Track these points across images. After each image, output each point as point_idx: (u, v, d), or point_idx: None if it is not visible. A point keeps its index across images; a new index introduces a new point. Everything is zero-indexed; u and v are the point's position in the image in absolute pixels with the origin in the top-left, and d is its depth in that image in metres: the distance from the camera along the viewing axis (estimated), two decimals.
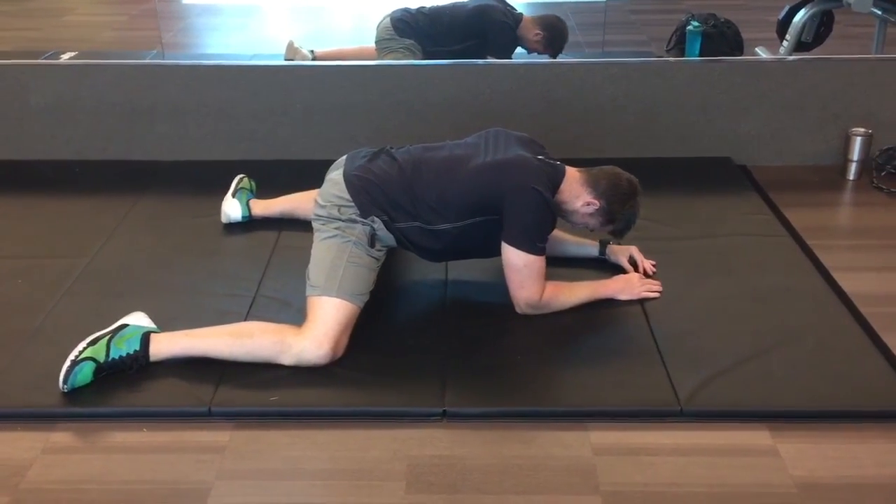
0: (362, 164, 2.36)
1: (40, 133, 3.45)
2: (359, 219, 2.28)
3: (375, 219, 2.27)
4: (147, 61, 3.61)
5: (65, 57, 3.78)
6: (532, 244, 2.23)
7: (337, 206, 2.30)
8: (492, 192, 2.23)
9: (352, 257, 2.25)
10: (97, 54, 4.07)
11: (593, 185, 2.32)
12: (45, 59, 3.72)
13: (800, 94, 3.37)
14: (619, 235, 2.45)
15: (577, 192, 2.32)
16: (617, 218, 2.36)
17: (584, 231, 2.47)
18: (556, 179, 2.30)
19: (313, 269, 2.26)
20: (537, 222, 2.25)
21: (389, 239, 2.31)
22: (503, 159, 2.27)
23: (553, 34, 3.82)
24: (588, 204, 2.32)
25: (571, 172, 2.35)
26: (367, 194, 2.29)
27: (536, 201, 2.22)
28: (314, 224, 2.36)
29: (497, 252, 2.30)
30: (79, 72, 3.41)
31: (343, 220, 2.29)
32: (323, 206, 2.33)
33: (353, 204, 2.29)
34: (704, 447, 1.94)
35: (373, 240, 2.28)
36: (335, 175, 2.37)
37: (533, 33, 3.81)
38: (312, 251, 2.31)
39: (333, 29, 4.84)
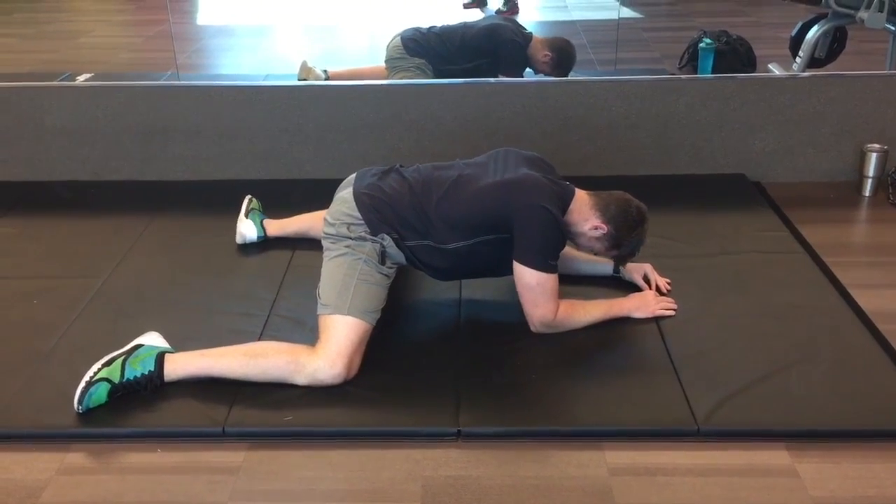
0: (372, 182, 2.37)
1: (56, 154, 3.47)
2: (368, 236, 2.28)
3: (385, 236, 2.28)
4: (162, 82, 3.63)
5: (80, 79, 3.81)
6: (544, 262, 2.23)
7: (346, 224, 2.31)
8: (501, 211, 2.23)
9: (362, 275, 2.25)
10: (113, 76, 4.10)
11: (603, 209, 2.32)
12: (60, 80, 3.75)
13: (814, 110, 3.36)
14: (623, 262, 2.48)
15: (585, 215, 2.31)
16: (623, 244, 2.36)
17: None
18: (566, 200, 2.30)
19: (324, 287, 2.26)
20: (548, 240, 2.24)
21: (399, 256, 2.31)
22: (512, 178, 2.27)
23: (561, 57, 3.84)
24: (596, 228, 2.31)
25: (581, 195, 2.34)
26: (377, 212, 2.29)
27: (546, 219, 2.21)
28: (324, 242, 2.37)
29: (507, 271, 2.30)
30: (94, 93, 3.44)
31: (353, 238, 2.29)
32: (332, 225, 2.34)
33: (362, 222, 2.29)
34: (722, 467, 1.92)
35: (383, 257, 2.28)
36: (345, 193, 2.38)
37: (542, 54, 3.83)
38: (322, 269, 2.31)
39: (347, 49, 4.86)
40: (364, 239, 2.28)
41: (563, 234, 2.29)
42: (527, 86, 3.45)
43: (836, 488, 1.85)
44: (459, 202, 2.28)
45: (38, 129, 3.44)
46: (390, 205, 2.30)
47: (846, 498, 1.82)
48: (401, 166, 2.44)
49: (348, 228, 2.30)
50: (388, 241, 2.28)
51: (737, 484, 1.86)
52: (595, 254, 2.41)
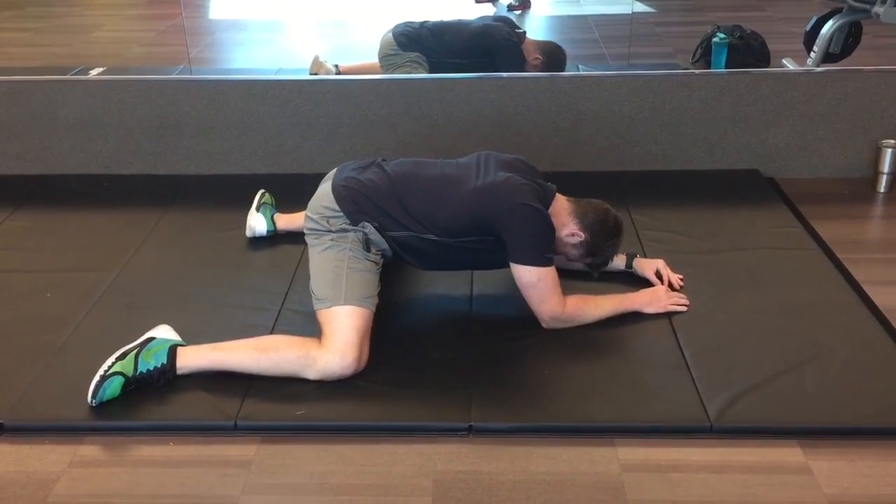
0: (351, 175, 2.37)
1: (69, 148, 3.48)
2: (349, 227, 2.29)
3: (366, 224, 2.28)
4: (174, 76, 3.64)
5: (93, 73, 3.82)
6: (539, 257, 2.23)
7: (326, 217, 2.31)
8: (484, 216, 2.23)
9: (351, 263, 2.25)
10: (125, 70, 4.10)
11: (581, 217, 2.32)
12: (73, 74, 3.75)
13: (828, 105, 3.34)
14: (595, 269, 2.47)
15: (564, 220, 2.32)
16: (597, 253, 2.37)
17: None
18: (546, 201, 2.30)
19: (316, 282, 2.27)
20: (537, 235, 2.24)
21: (383, 243, 2.31)
22: (492, 182, 2.27)
23: (551, 61, 3.82)
24: (573, 234, 2.32)
25: (560, 199, 2.35)
26: (354, 203, 2.29)
27: (531, 215, 2.21)
28: (307, 239, 2.37)
29: (495, 265, 2.32)
30: (107, 87, 3.45)
31: (334, 231, 2.30)
32: (312, 219, 2.34)
33: (341, 214, 2.29)
34: (735, 464, 1.91)
35: (367, 244, 2.29)
36: (324, 186, 2.39)
37: (533, 56, 3.82)
38: (311, 266, 2.32)
39: (358, 43, 4.86)
40: (345, 230, 2.29)
41: (552, 226, 2.27)
42: (539, 81, 3.44)
43: (850, 486, 1.84)
44: (441, 204, 2.28)
45: (51, 123, 3.45)
46: (368, 196, 2.30)
47: (860, 496, 1.81)
48: (382, 160, 2.45)
49: (328, 222, 2.30)
50: (369, 229, 2.28)
51: (750, 481, 1.86)
52: (568, 259, 2.41)
